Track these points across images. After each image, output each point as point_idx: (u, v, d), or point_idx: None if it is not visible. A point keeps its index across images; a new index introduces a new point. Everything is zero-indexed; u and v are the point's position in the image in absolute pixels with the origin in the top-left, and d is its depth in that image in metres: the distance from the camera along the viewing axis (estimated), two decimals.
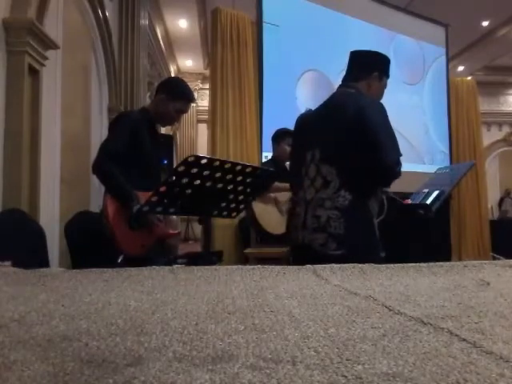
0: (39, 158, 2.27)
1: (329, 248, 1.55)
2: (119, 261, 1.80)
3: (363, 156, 1.56)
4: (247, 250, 2.93)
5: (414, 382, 0.37)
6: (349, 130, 1.58)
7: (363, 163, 1.57)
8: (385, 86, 1.80)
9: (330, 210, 1.57)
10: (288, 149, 2.98)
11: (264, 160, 3.72)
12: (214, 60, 3.94)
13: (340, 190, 1.57)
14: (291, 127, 3.10)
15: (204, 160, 1.41)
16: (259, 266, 1.04)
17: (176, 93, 2.05)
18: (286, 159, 3.03)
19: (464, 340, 0.49)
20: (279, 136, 3.01)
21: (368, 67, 1.74)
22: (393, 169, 1.56)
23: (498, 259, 2.81)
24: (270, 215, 2.84)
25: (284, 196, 2.86)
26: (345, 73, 1.79)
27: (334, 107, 1.69)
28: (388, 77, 1.80)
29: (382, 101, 1.76)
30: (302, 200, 1.71)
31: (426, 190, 2.95)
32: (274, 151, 3.10)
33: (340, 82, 1.82)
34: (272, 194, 2.89)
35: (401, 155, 1.57)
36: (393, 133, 1.59)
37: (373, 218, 1.64)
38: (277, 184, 2.77)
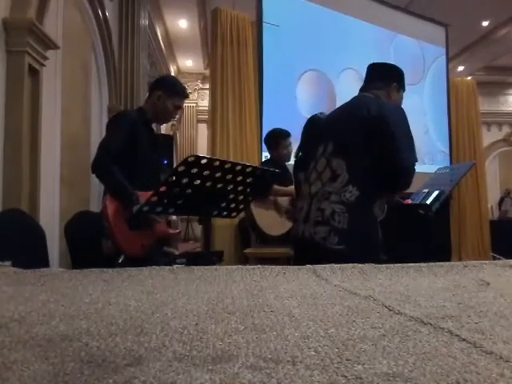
0: (39, 158, 2.27)
1: (330, 242, 1.54)
2: (120, 261, 1.79)
3: (377, 155, 1.57)
4: (247, 250, 2.93)
5: (413, 382, 0.37)
6: (369, 127, 1.59)
7: (376, 162, 1.57)
8: (401, 99, 1.84)
9: (336, 203, 1.56)
10: (287, 149, 2.98)
11: (264, 160, 3.72)
12: (213, 60, 3.94)
13: (348, 184, 1.57)
14: (291, 127, 3.10)
15: (204, 160, 1.41)
16: (259, 265, 1.04)
17: (173, 89, 2.09)
18: (285, 159, 3.03)
19: (464, 340, 0.49)
20: (278, 136, 2.99)
21: (388, 78, 1.79)
22: (407, 169, 1.57)
23: (498, 259, 2.81)
24: (269, 217, 2.83)
25: (284, 199, 2.86)
26: (363, 83, 1.83)
27: (357, 106, 1.71)
28: (404, 90, 1.86)
29: None
30: (307, 194, 1.70)
31: (426, 190, 2.95)
32: (272, 152, 3.05)
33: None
34: (272, 197, 2.89)
35: (417, 160, 1.59)
36: (411, 137, 1.61)
37: (377, 220, 1.64)
38: (277, 187, 2.78)
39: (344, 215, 1.55)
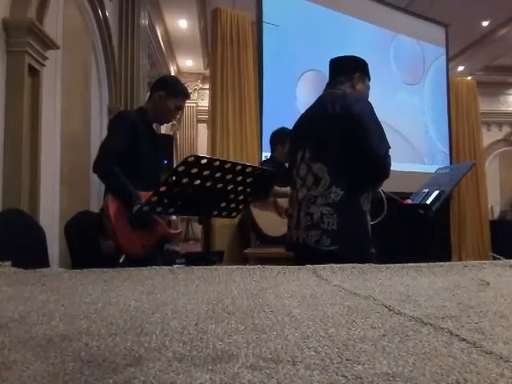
0: (39, 158, 2.27)
1: (323, 244, 1.57)
2: (121, 261, 1.79)
3: (352, 151, 1.58)
4: (247, 250, 2.93)
5: (413, 382, 0.37)
6: (337, 125, 1.61)
7: (353, 159, 1.59)
8: (368, 88, 1.83)
9: (323, 206, 1.59)
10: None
11: (264, 159, 3.72)
12: (214, 60, 3.94)
13: (331, 186, 1.60)
14: (291, 127, 3.10)
15: (204, 160, 1.41)
16: (259, 266, 1.04)
17: (174, 89, 2.08)
18: (285, 160, 3.02)
19: (464, 340, 0.49)
20: (280, 136, 2.99)
21: (349, 69, 1.78)
22: (382, 159, 1.58)
23: (498, 259, 2.81)
24: (269, 218, 2.83)
25: (284, 199, 2.86)
26: (328, 80, 1.83)
27: (321, 107, 1.71)
28: (369, 79, 1.83)
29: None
30: (295, 200, 1.74)
31: (426, 190, 2.95)
32: (273, 151, 3.06)
33: None
34: (271, 198, 2.88)
35: (389, 147, 1.59)
36: (380, 126, 1.61)
37: (365, 214, 1.66)
38: (277, 189, 2.77)
39: (332, 216, 1.58)
